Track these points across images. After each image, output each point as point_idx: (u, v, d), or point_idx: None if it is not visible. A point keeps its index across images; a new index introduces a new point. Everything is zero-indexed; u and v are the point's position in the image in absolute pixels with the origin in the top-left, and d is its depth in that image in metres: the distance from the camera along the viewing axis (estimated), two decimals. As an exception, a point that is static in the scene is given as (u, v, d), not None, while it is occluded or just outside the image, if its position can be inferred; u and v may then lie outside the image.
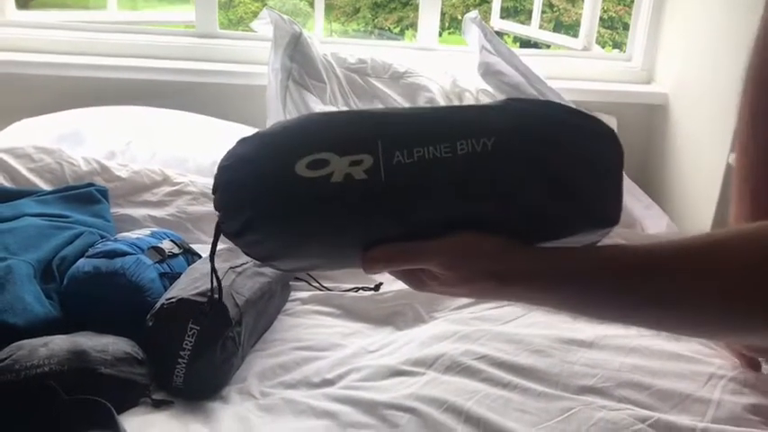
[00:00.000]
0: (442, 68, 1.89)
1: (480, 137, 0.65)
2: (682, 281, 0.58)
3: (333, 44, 1.98)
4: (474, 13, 1.79)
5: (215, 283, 0.93)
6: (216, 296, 0.94)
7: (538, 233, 0.67)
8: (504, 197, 0.66)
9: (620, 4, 9.05)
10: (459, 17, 9.52)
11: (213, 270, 0.85)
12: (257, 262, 1.21)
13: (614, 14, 9.03)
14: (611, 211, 0.69)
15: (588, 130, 0.69)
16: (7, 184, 1.43)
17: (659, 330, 0.66)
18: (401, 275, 0.71)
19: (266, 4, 9.67)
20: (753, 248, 0.56)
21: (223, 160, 0.71)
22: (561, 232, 0.68)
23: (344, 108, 1.66)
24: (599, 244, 0.71)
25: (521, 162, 0.66)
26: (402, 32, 10.26)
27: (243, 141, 0.71)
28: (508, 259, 0.64)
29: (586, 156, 0.68)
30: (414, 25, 9.90)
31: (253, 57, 1.97)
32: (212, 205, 1.53)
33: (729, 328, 0.61)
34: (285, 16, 1.68)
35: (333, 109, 1.63)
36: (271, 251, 0.71)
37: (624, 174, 1.73)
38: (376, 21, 10.31)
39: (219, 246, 1.32)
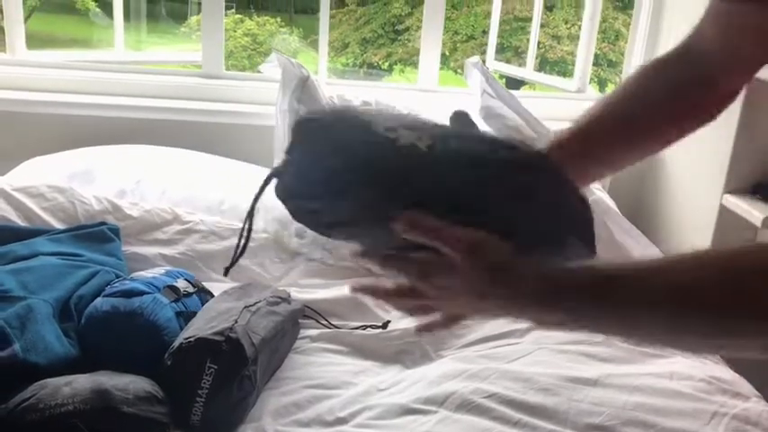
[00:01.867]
0: (444, 110, 1.93)
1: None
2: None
3: (338, 86, 2.03)
4: (476, 58, 1.85)
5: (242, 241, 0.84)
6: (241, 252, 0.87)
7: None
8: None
9: (604, 42, 9.23)
10: (447, 53, 9.65)
11: (251, 214, 0.77)
12: (270, 300, 1.24)
13: (599, 51, 9.20)
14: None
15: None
16: (21, 223, 1.45)
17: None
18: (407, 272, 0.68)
19: (255, 39, 9.77)
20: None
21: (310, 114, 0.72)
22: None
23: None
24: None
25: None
26: (390, 68, 10.38)
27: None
28: (554, 269, 0.62)
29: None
30: (402, 61, 10.03)
31: (258, 97, 2.01)
32: (222, 243, 1.55)
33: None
34: (294, 60, 1.73)
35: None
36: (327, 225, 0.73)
37: (621, 214, 1.75)
38: (365, 56, 10.43)
39: (232, 284, 1.36)
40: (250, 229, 0.79)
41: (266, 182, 0.73)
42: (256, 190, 0.73)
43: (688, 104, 0.84)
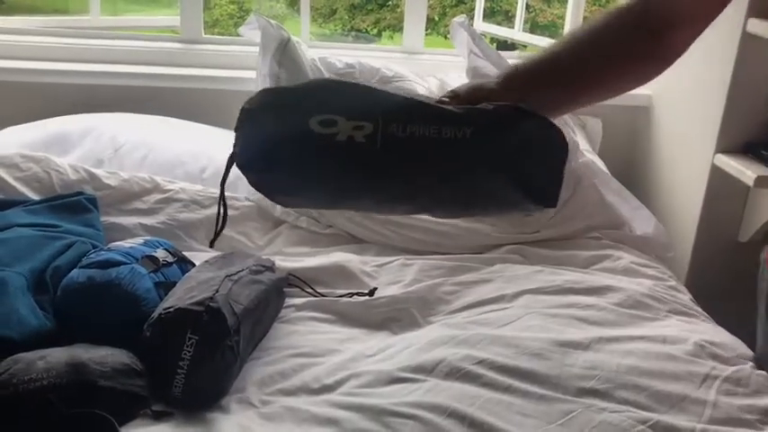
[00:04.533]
0: (430, 72, 1.89)
1: (462, 126, 0.81)
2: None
3: (320, 49, 1.98)
4: (462, 18, 1.79)
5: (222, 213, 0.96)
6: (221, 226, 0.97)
7: (487, 208, 0.94)
8: (469, 178, 0.84)
9: (595, 5, 9.14)
10: (437, 18, 9.53)
11: (222, 196, 0.92)
12: (253, 269, 1.21)
13: (588, 14, 9.10)
14: (551, 198, 0.87)
15: (543, 135, 0.86)
16: (-6, 194, 1.41)
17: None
18: None
19: (242, 7, 9.62)
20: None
21: (247, 104, 0.84)
22: (508, 209, 0.94)
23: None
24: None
25: (489, 152, 0.83)
26: (379, 34, 10.25)
27: (266, 92, 0.86)
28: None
29: (540, 156, 0.86)
30: (391, 26, 9.90)
31: (238, 62, 1.96)
32: (204, 212, 1.53)
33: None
34: (273, 21, 1.67)
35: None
36: (276, 186, 0.87)
37: (612, 175, 1.74)
38: (353, 22, 10.30)
39: (214, 253, 1.33)
40: (226, 211, 0.93)
41: (229, 164, 0.86)
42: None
43: (634, 55, 0.96)
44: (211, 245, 1.04)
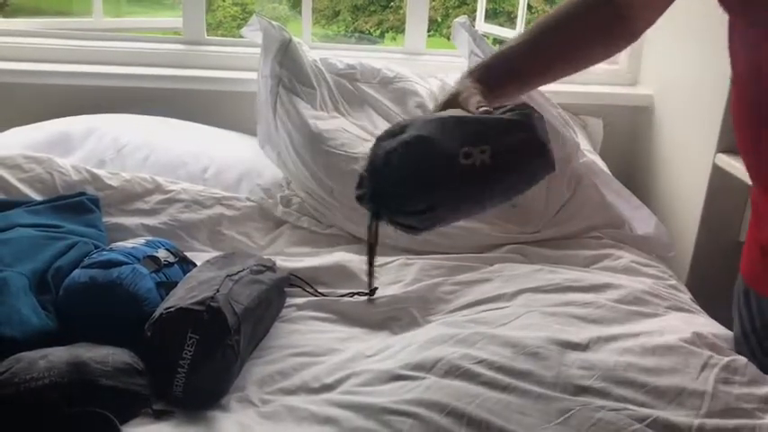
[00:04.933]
0: (431, 73, 1.89)
1: (517, 132, 0.95)
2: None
3: (322, 50, 1.98)
4: (463, 18, 1.79)
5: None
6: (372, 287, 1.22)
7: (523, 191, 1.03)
8: (526, 171, 0.98)
9: (597, 5, 9.15)
10: (440, 20, 9.53)
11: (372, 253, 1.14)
12: (254, 269, 1.22)
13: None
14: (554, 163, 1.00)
15: (542, 122, 0.99)
16: (-3, 195, 1.42)
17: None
18: None
19: (245, 9, 9.64)
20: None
21: (390, 157, 0.94)
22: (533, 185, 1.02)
23: (335, 113, 1.67)
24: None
25: (534, 147, 0.98)
26: (382, 35, 10.26)
27: (410, 144, 0.94)
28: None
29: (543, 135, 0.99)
30: (394, 28, 9.91)
31: (240, 63, 1.97)
32: (205, 212, 1.53)
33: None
34: (275, 23, 1.68)
35: (323, 113, 1.64)
36: (436, 222, 0.98)
37: (612, 175, 1.74)
38: (356, 24, 10.31)
39: (215, 253, 1.33)
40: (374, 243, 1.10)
41: (376, 223, 1.02)
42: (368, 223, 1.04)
43: (602, 37, 1.10)
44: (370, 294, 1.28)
